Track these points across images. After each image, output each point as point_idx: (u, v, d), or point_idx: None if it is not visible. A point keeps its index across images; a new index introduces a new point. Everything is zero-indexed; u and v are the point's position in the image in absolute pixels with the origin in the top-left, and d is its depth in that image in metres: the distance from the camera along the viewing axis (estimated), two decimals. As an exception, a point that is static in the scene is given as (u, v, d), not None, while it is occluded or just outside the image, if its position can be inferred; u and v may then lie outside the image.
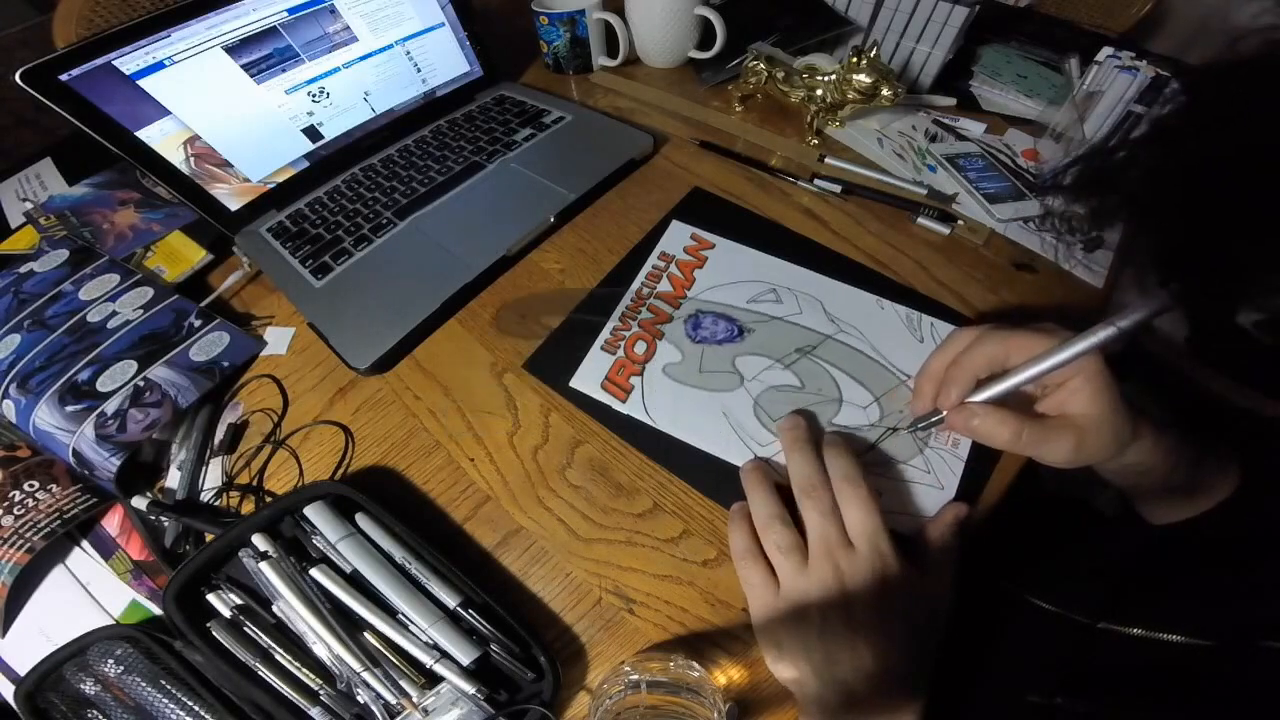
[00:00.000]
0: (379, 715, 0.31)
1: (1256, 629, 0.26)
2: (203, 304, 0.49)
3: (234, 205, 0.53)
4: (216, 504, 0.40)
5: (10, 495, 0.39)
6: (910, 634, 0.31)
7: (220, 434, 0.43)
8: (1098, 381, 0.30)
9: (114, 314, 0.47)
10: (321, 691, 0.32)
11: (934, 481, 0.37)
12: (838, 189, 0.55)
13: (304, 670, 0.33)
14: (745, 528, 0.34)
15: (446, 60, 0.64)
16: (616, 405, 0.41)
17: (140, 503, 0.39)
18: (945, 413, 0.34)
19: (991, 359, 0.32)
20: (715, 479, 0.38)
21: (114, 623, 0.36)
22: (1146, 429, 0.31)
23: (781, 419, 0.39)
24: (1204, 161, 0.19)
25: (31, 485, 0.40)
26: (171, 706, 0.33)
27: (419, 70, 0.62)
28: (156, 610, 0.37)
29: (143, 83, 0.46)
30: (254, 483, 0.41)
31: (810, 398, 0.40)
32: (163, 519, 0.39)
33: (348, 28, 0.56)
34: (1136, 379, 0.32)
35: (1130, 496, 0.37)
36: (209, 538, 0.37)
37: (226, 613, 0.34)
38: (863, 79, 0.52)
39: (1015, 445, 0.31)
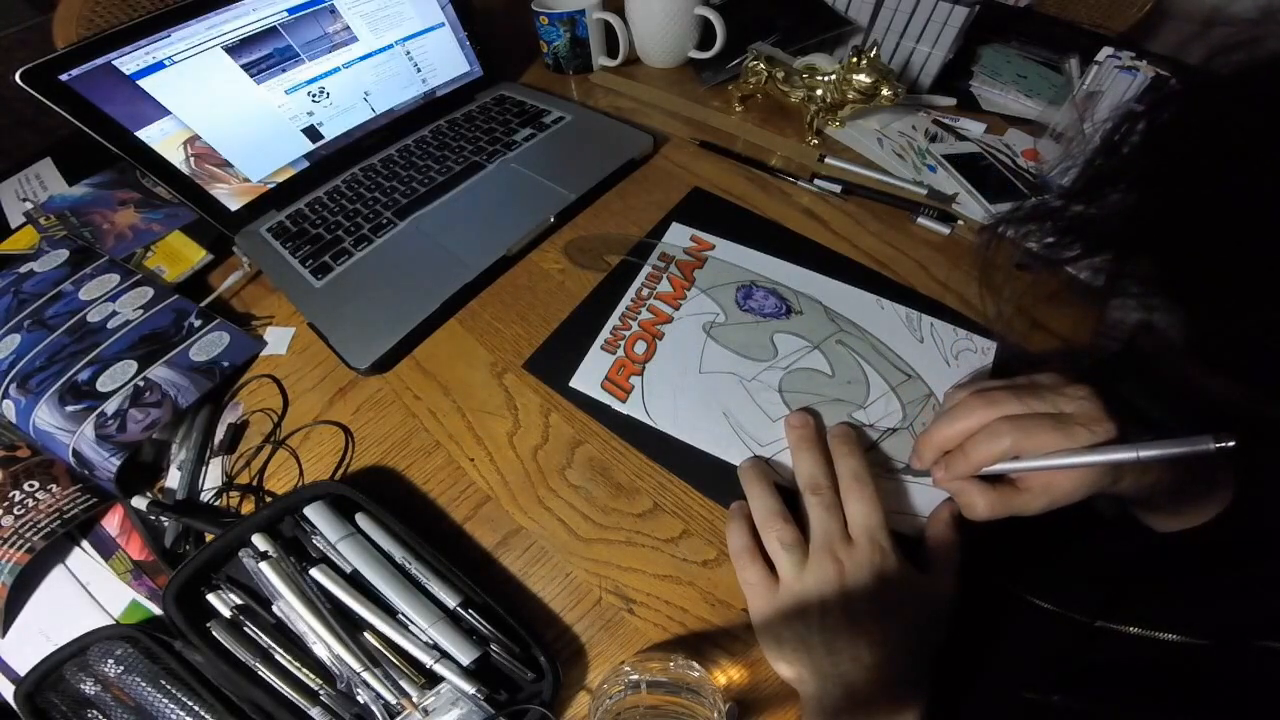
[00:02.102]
0: (379, 715, 0.31)
1: (1252, 628, 0.26)
2: (203, 304, 0.49)
3: (234, 205, 0.53)
4: (216, 504, 0.40)
5: (10, 495, 0.39)
6: (911, 632, 0.31)
7: (220, 434, 0.43)
8: (1093, 476, 0.29)
9: (114, 314, 0.47)
10: (321, 691, 0.32)
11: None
12: (838, 189, 0.55)
13: (304, 670, 0.33)
14: (744, 525, 0.35)
15: (446, 60, 0.64)
16: (616, 405, 0.41)
17: (140, 503, 0.39)
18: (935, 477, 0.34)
19: (1003, 455, 0.30)
20: (715, 479, 0.38)
21: (114, 623, 0.36)
22: (1128, 471, 0.30)
23: (790, 415, 0.39)
24: (1204, 191, 0.19)
25: (31, 485, 0.40)
26: (171, 706, 0.33)
27: (419, 70, 0.62)
28: (156, 610, 0.37)
29: (143, 83, 0.46)
30: (254, 483, 0.41)
31: (837, 387, 0.41)
32: (163, 519, 0.39)
33: (348, 28, 0.56)
34: (1136, 379, 0.31)
35: (1128, 505, 0.37)
36: (209, 538, 0.37)
37: (226, 613, 0.34)
38: (863, 79, 0.52)
39: (986, 514, 0.31)
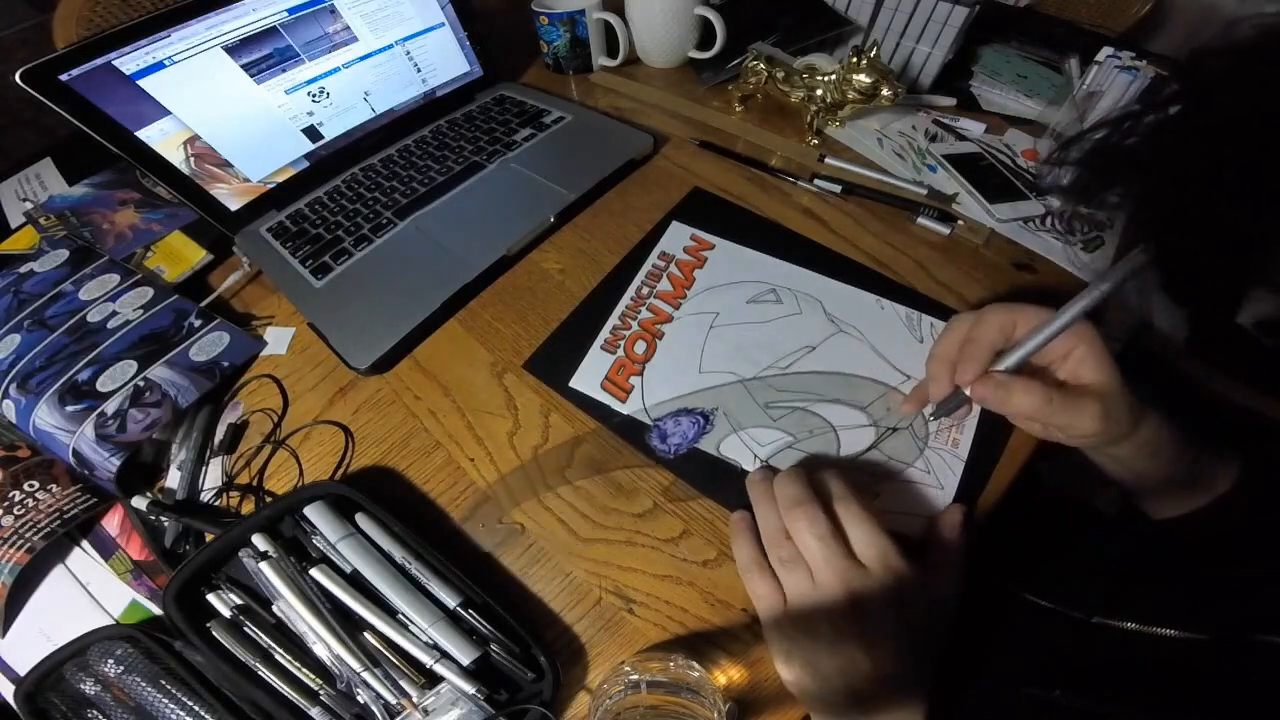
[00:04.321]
0: (379, 715, 0.31)
1: (1251, 623, 0.26)
2: (203, 304, 0.49)
3: (234, 205, 0.53)
4: (216, 504, 0.40)
5: (10, 495, 0.39)
6: (917, 635, 0.30)
7: (220, 434, 0.43)
8: (1098, 347, 0.31)
9: (114, 314, 0.47)
10: (321, 691, 0.32)
11: (934, 481, 0.37)
12: (838, 189, 0.55)
13: (304, 670, 0.33)
14: (750, 539, 0.34)
15: (446, 60, 0.64)
16: (616, 405, 0.41)
17: (140, 503, 0.39)
18: (967, 391, 0.34)
19: (1002, 327, 0.32)
20: (715, 479, 0.38)
21: (114, 623, 0.36)
22: (1152, 411, 0.32)
23: (750, 473, 0.37)
24: (1204, 132, 0.19)
25: (31, 485, 0.40)
26: (171, 706, 0.33)
27: (419, 70, 0.62)
28: (156, 610, 0.37)
29: (143, 83, 0.46)
30: (254, 483, 0.41)
31: (807, 443, 0.39)
32: (163, 519, 0.39)
33: (348, 28, 0.56)
34: (1138, 379, 0.32)
35: (1131, 490, 0.37)
36: (209, 538, 0.37)
37: (226, 613, 0.34)
38: (863, 79, 0.52)
39: (1046, 411, 0.31)
